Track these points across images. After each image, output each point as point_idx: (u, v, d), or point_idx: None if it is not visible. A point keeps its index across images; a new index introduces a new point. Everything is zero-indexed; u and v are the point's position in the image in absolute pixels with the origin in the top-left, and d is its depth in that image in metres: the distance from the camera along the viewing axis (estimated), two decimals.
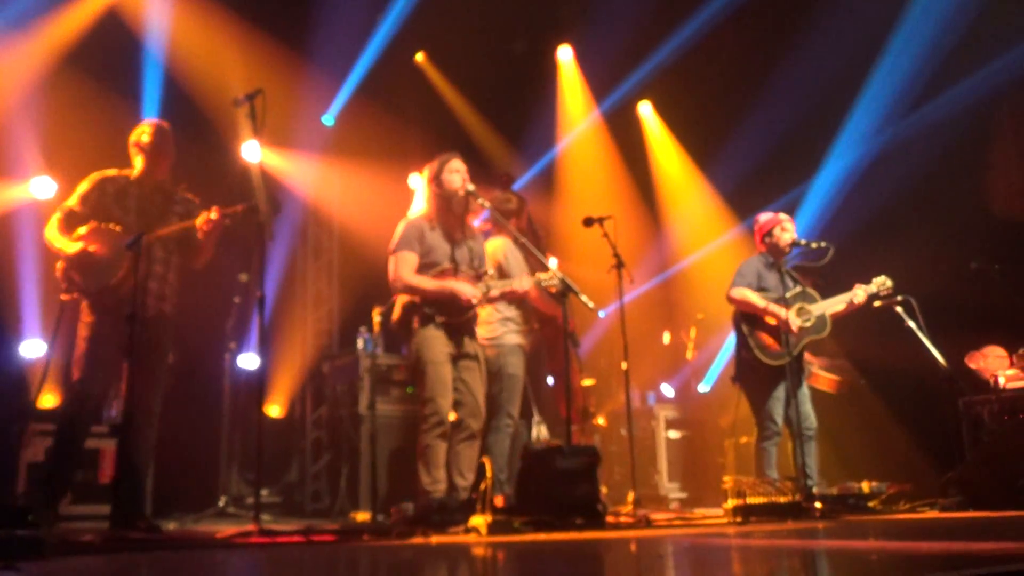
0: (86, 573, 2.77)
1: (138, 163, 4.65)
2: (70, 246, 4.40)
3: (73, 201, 4.55)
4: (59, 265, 4.45)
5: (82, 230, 4.45)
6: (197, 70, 6.99)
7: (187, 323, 7.06)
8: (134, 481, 4.31)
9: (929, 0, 7.00)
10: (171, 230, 4.53)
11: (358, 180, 7.99)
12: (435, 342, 4.63)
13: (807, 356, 5.75)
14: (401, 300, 4.76)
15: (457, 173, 4.79)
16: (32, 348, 6.56)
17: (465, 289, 4.67)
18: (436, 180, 4.79)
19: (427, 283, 4.66)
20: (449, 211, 4.80)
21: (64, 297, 4.44)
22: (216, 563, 3.08)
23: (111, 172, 4.63)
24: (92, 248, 4.38)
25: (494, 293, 4.82)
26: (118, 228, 4.43)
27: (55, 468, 4.33)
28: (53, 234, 4.48)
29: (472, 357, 4.76)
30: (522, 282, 4.88)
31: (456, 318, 4.69)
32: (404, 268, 4.67)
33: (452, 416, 4.64)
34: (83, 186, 4.57)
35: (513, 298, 5.14)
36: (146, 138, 4.64)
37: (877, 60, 7.44)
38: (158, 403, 4.46)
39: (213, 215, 4.43)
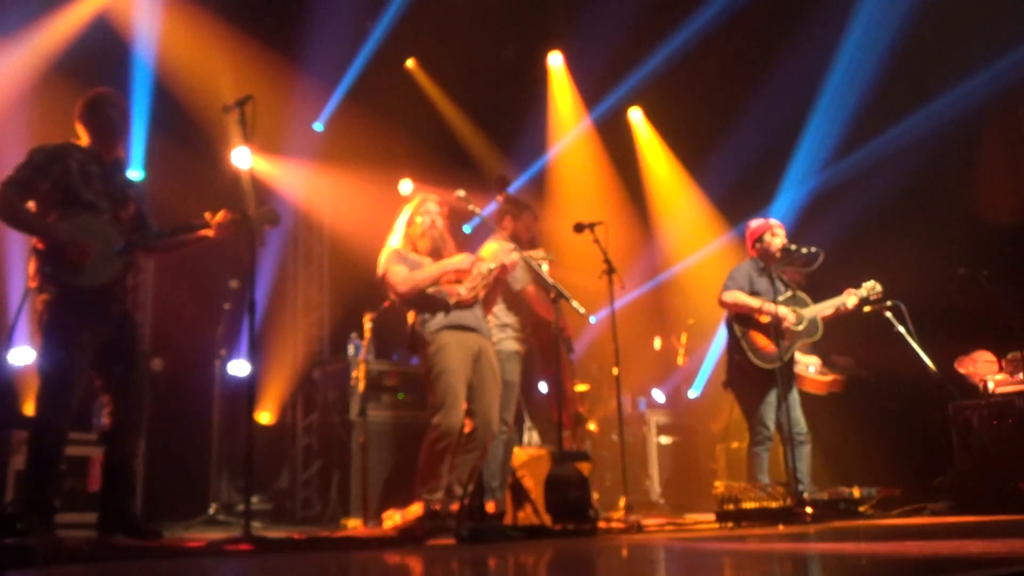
0: None
1: (90, 139, 4.08)
2: (54, 229, 3.83)
3: (29, 173, 3.88)
4: (41, 253, 3.86)
5: (33, 208, 3.89)
6: (187, 76, 6.98)
7: (177, 330, 7.08)
8: (122, 487, 4.14)
9: (917, 8, 7.04)
10: (187, 238, 4.27)
11: (349, 186, 7.99)
12: (451, 349, 4.62)
13: (798, 355, 5.76)
14: (410, 315, 4.77)
15: (427, 215, 4.89)
16: (20, 355, 6.53)
17: (460, 257, 4.77)
18: (410, 221, 4.91)
19: (426, 271, 4.73)
20: (422, 247, 4.88)
21: (33, 285, 3.92)
22: (206, 570, 3.06)
23: (60, 142, 4.02)
24: (81, 243, 3.86)
25: (484, 270, 4.82)
26: (97, 216, 3.96)
27: (42, 481, 3.90)
28: (16, 210, 3.85)
29: (487, 364, 4.74)
30: (510, 256, 4.87)
31: (463, 293, 4.70)
32: (400, 275, 4.70)
33: (467, 426, 4.62)
34: (38, 157, 3.92)
35: (504, 274, 5.09)
36: (107, 111, 4.09)
37: (865, 67, 7.48)
38: (144, 403, 4.16)
39: (221, 218, 4.17)
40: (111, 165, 4.13)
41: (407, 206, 4.97)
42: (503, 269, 4.87)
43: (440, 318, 4.67)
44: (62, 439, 3.99)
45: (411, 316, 4.79)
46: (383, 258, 4.83)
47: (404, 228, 4.91)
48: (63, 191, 3.92)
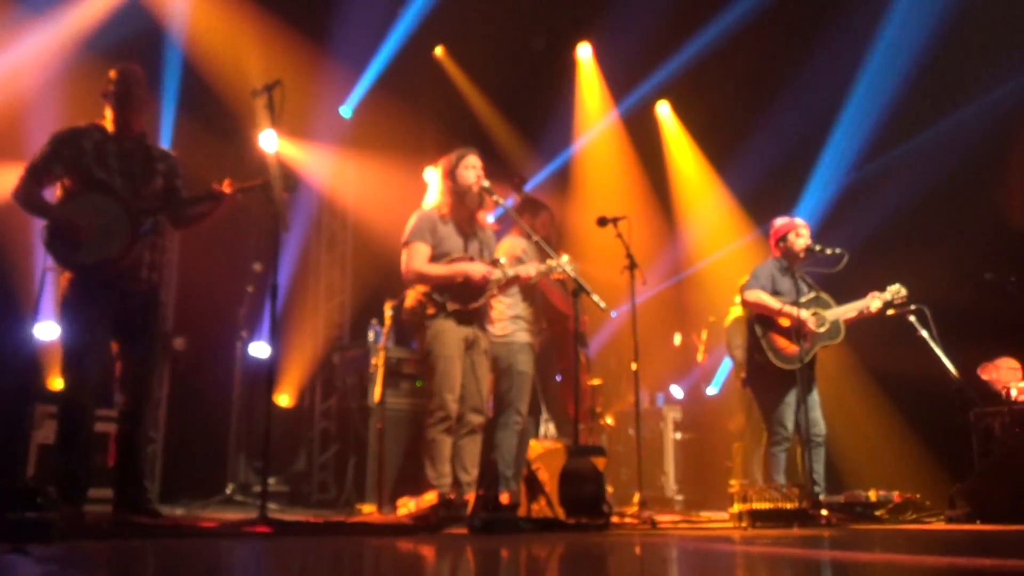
0: (93, 557, 2.79)
1: (110, 116, 4.13)
2: (55, 211, 3.96)
3: (43, 159, 4.01)
4: (45, 232, 3.95)
5: (58, 192, 4.02)
6: (217, 59, 7.01)
7: (200, 310, 7.14)
8: (134, 465, 4.16)
9: (949, 11, 6.95)
10: (199, 211, 4.23)
11: (374, 172, 8.00)
12: (448, 336, 4.64)
13: None
14: (415, 291, 4.77)
15: (472, 169, 4.80)
16: (46, 330, 6.60)
17: (476, 267, 4.69)
18: (451, 175, 4.81)
19: (438, 269, 4.69)
20: (461, 206, 4.81)
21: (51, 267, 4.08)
22: (221, 551, 3.09)
23: (81, 124, 4.12)
24: (82, 222, 3.92)
25: (502, 276, 4.80)
26: (104, 195, 3.99)
27: (67, 456, 3.98)
28: (30, 195, 3.97)
29: (481, 352, 4.77)
30: (528, 268, 4.87)
31: (469, 304, 4.69)
32: (416, 258, 4.69)
33: (455, 411, 4.65)
34: (51, 142, 4.04)
35: (519, 284, 5.08)
36: (114, 86, 4.11)
37: (896, 69, 7.39)
38: (158, 381, 4.24)
39: (226, 189, 4.15)
40: (132, 141, 4.17)
41: (441, 161, 4.87)
42: (517, 279, 4.88)
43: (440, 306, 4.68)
44: (83, 413, 4.01)
45: (413, 296, 4.79)
46: (412, 223, 4.78)
47: (443, 183, 4.82)
48: (77, 172, 4.00)
